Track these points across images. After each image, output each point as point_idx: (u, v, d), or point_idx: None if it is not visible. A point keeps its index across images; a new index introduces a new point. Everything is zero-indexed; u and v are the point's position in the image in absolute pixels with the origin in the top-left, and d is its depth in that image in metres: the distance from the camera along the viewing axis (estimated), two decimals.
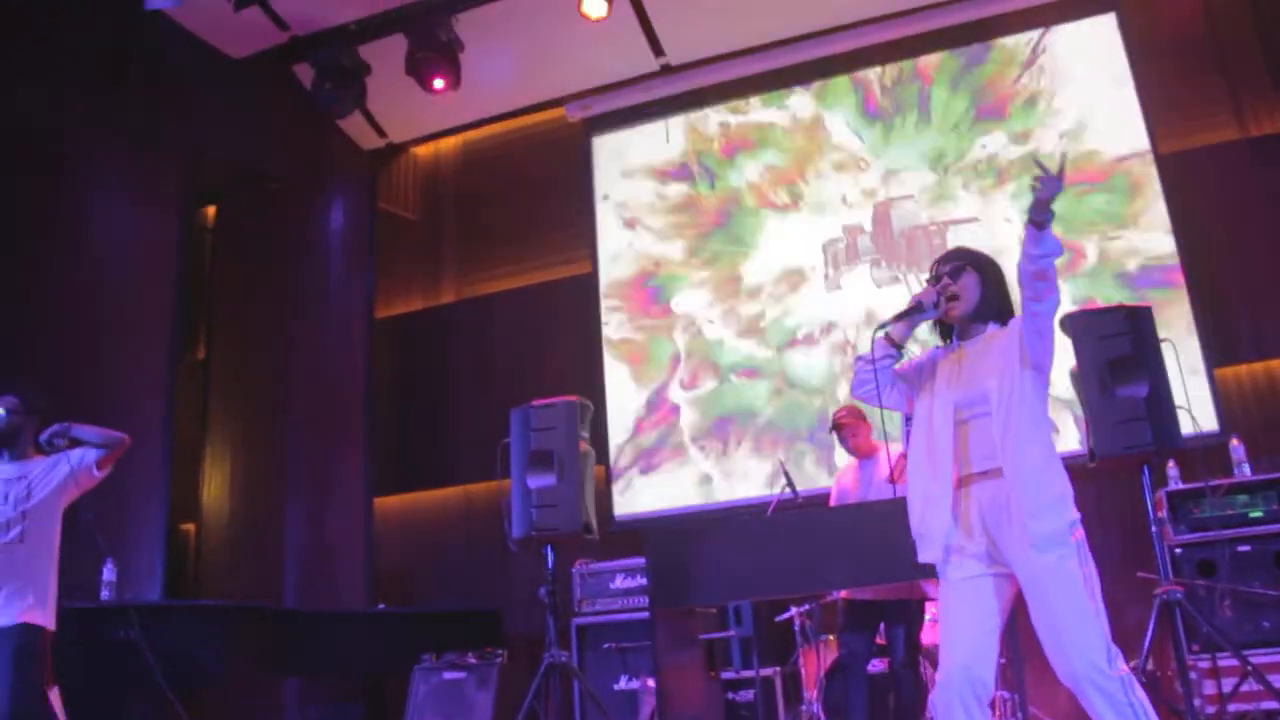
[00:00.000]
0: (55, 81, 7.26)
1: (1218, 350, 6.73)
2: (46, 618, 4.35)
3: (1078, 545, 2.87)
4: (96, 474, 4.60)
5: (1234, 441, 5.71)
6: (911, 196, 7.59)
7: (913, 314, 3.16)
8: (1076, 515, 2.92)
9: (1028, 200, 2.87)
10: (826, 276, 7.68)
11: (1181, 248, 6.89)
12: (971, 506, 2.99)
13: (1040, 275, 2.90)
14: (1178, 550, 5.37)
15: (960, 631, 2.94)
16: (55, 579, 4.46)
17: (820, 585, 5.07)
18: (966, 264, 3.20)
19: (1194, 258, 6.87)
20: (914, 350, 3.31)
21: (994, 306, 3.19)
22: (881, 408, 3.25)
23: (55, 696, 4.30)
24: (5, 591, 4.30)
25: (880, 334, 3.18)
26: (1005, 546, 2.92)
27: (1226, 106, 7.15)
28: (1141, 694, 2.79)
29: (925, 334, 3.45)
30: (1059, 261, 2.94)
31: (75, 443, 4.62)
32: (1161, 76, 7.25)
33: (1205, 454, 5.89)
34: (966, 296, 3.16)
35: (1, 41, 7.06)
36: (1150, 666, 5.03)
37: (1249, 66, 7.13)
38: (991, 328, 3.17)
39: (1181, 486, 5.51)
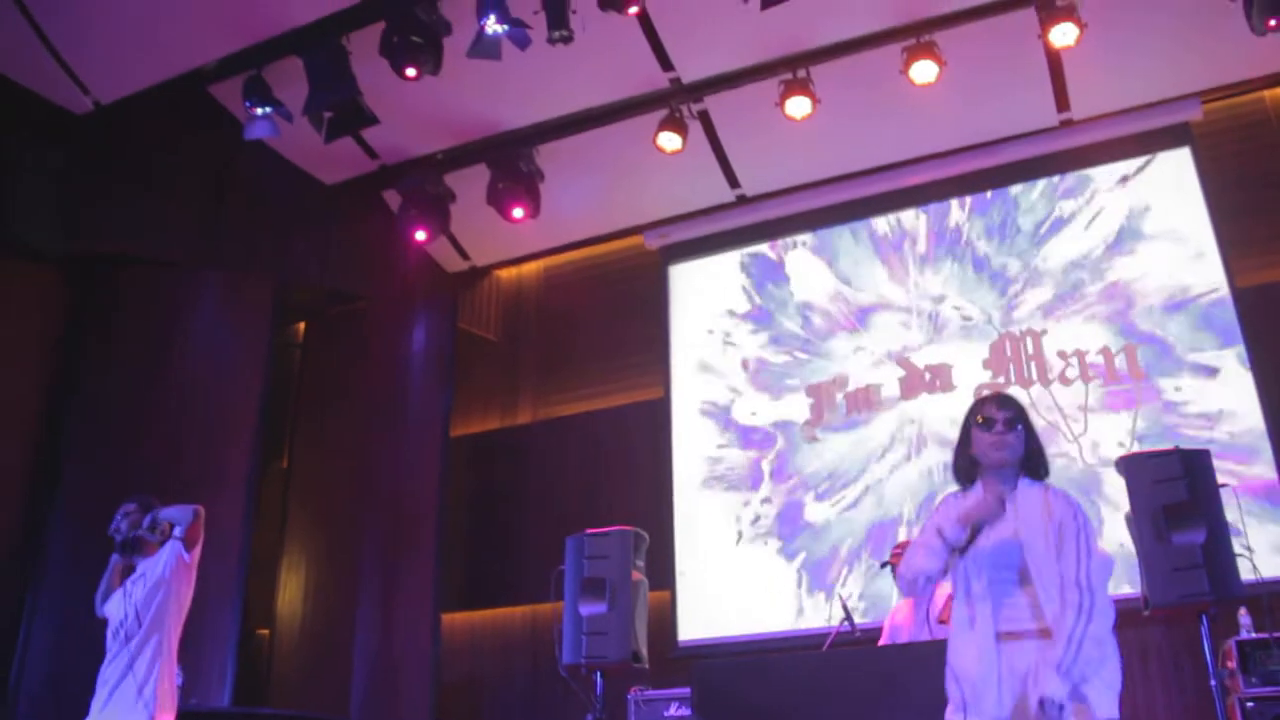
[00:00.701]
0: (160, 205, 7.77)
1: None
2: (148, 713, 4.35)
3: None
4: (187, 557, 4.65)
5: None
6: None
7: (974, 525, 3.04)
8: (1119, 684, 2.88)
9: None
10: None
11: (1260, 384, 6.74)
12: (1006, 663, 2.91)
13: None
14: (1249, 704, 5.14)
15: None
16: (166, 672, 4.49)
17: None
18: (1018, 415, 3.13)
19: (1275, 394, 6.71)
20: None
21: (1032, 462, 3.14)
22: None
23: None
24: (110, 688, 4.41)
25: (941, 547, 3.08)
26: (1034, 712, 2.82)
27: None
28: None
29: None
30: None
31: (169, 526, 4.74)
32: (1237, 210, 7.19)
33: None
34: (1017, 447, 3.10)
35: (111, 164, 7.61)
36: None
37: None
38: (1022, 485, 3.10)
39: (1252, 636, 5.30)
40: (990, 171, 7.92)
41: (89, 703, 4.54)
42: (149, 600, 4.56)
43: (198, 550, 4.75)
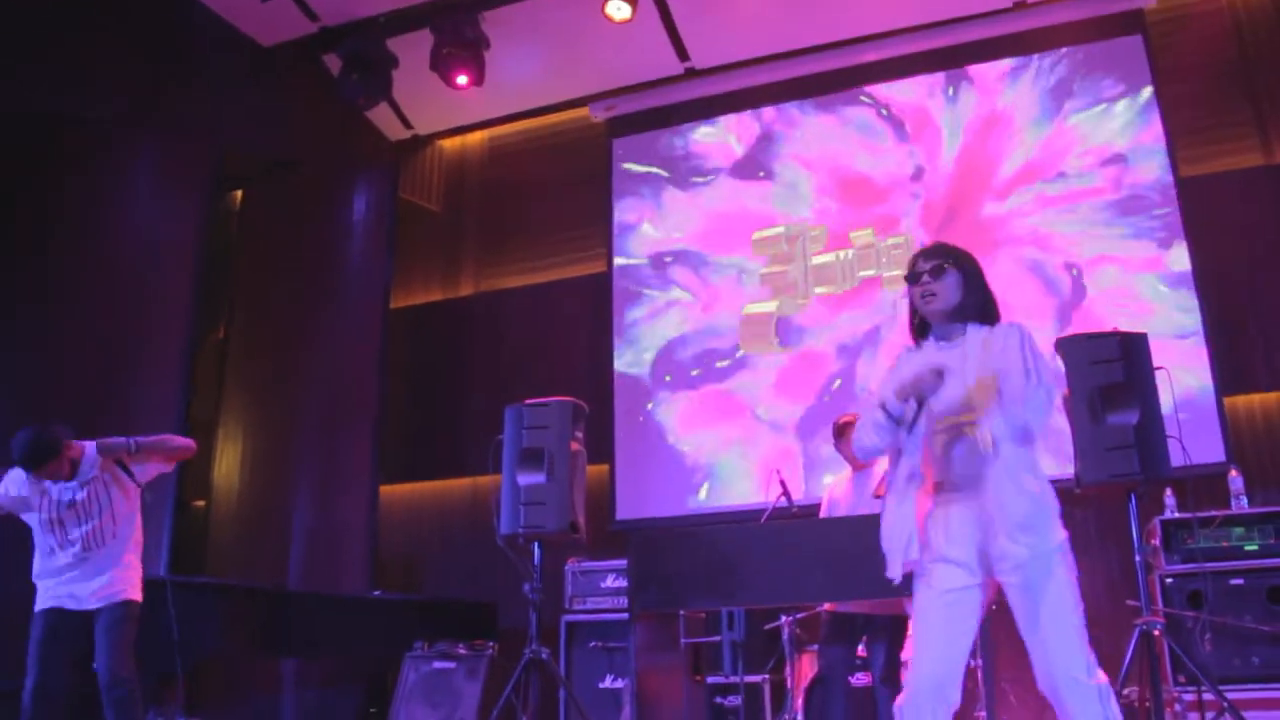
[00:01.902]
0: (85, 66, 7.41)
1: (1229, 379, 6.65)
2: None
3: (1064, 557, 2.88)
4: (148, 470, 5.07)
5: (1232, 473, 5.64)
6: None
7: (914, 398, 2.99)
8: (1065, 534, 2.93)
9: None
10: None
11: (1198, 274, 6.81)
12: (956, 513, 2.94)
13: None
14: (1169, 580, 5.32)
15: (936, 646, 2.90)
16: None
17: (800, 597, 5.07)
18: (946, 261, 3.10)
19: (1210, 284, 6.79)
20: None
21: (975, 306, 3.09)
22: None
23: None
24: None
25: (885, 420, 3.05)
26: (992, 555, 2.88)
27: (1252, 131, 7.06)
28: (1116, 706, 2.80)
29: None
30: None
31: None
32: (1186, 100, 7.18)
33: (1205, 484, 5.87)
34: (945, 296, 3.07)
35: (32, 28, 7.22)
36: (1131, 696, 4.98)
37: (1279, 91, 7.04)
38: (972, 329, 3.07)
39: (1175, 516, 5.45)
40: (943, 51, 7.81)
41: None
42: None
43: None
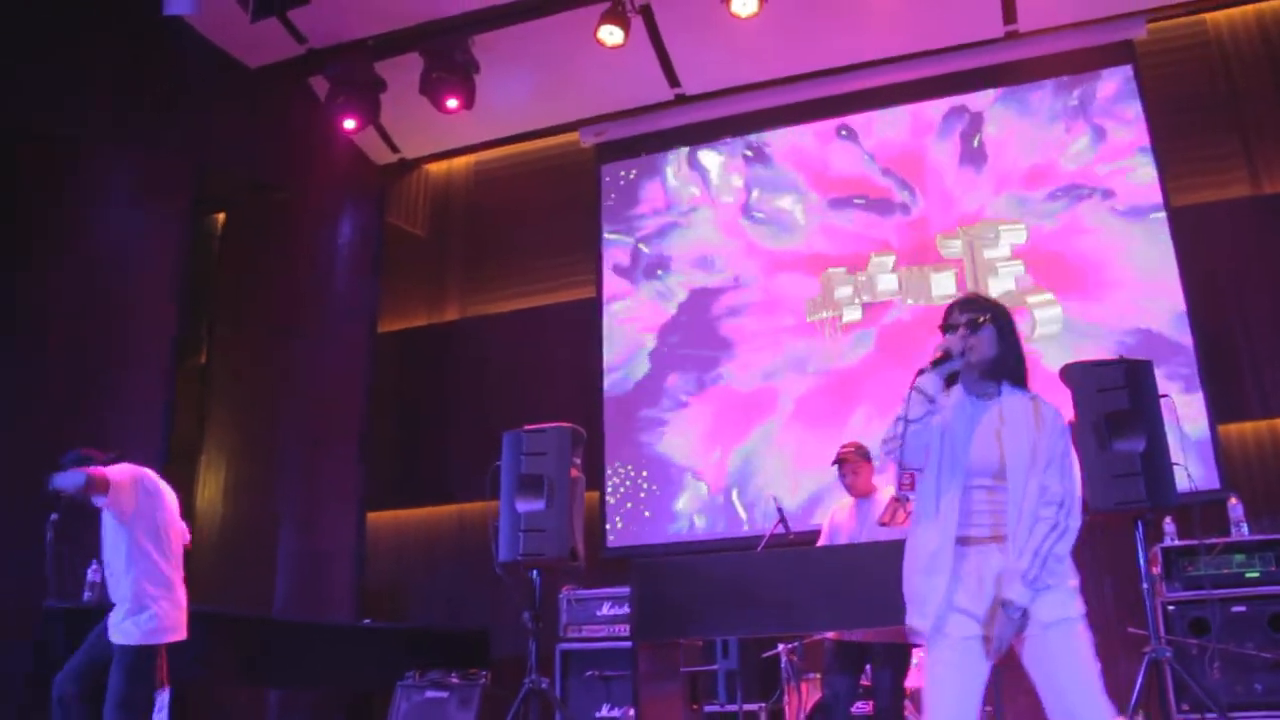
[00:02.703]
0: (67, 85, 7.31)
1: (1223, 407, 6.68)
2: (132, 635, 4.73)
3: (1079, 612, 2.88)
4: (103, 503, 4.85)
5: (1232, 500, 5.64)
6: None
7: (943, 363, 3.02)
8: (1077, 579, 2.92)
9: None
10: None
11: (1190, 302, 6.85)
12: (976, 567, 2.92)
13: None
14: (1171, 608, 5.30)
15: (950, 694, 2.89)
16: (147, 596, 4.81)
17: (806, 625, 5.02)
18: (984, 315, 3.06)
19: (1201, 312, 6.83)
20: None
21: (1011, 364, 3.07)
22: (905, 467, 3.11)
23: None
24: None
25: (914, 387, 3.01)
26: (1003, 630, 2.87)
27: (1240, 162, 7.14)
28: None
29: None
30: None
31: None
32: (1175, 130, 7.24)
33: (1204, 511, 5.87)
34: (981, 350, 3.03)
35: (14, 45, 7.11)
36: None
37: (1266, 123, 7.12)
38: (1006, 390, 3.05)
39: (1177, 543, 5.44)
40: (934, 80, 7.84)
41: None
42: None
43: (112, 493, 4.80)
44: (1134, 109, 7.32)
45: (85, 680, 4.76)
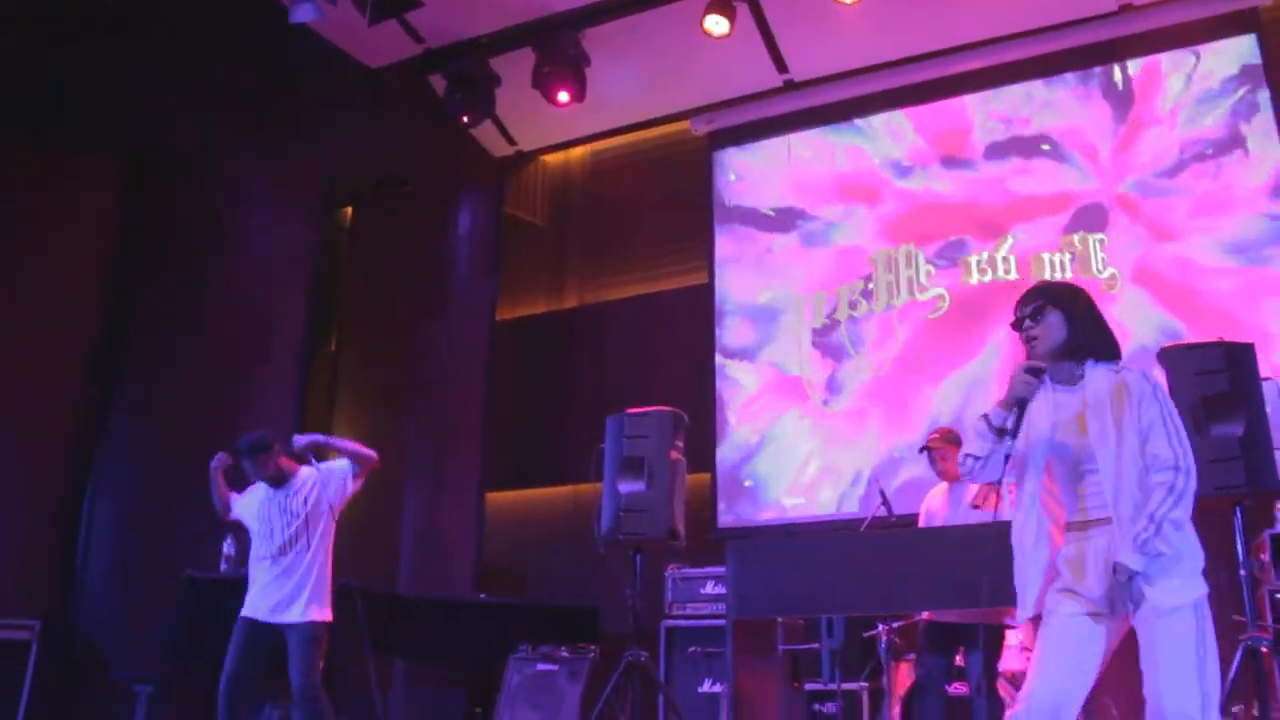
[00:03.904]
0: (199, 95, 7.77)
1: None
2: (323, 613, 5.09)
3: (1194, 603, 2.80)
4: (352, 487, 5.32)
5: None
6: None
7: (1012, 406, 2.99)
8: (1204, 590, 2.84)
9: None
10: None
11: None
12: (1089, 550, 2.91)
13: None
14: (1279, 595, 5.19)
15: (1057, 666, 2.86)
16: (329, 577, 5.19)
17: (898, 606, 5.09)
18: (1046, 303, 3.07)
19: None
20: None
21: (1089, 342, 3.04)
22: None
23: None
24: (291, 589, 5.04)
25: (984, 425, 3.04)
26: (1120, 598, 2.84)
27: None
28: None
29: None
30: None
31: (331, 452, 5.36)
32: None
33: None
34: (1048, 337, 3.04)
35: (147, 59, 7.60)
36: (1239, 715, 4.89)
37: None
38: (1091, 367, 3.03)
39: None
40: (1046, 58, 7.71)
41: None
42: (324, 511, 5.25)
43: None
44: (1258, 77, 7.07)
45: (255, 674, 5.08)
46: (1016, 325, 3.12)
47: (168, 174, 7.94)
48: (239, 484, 5.39)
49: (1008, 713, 2.94)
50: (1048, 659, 2.88)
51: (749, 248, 8.45)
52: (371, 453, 5.38)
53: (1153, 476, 2.84)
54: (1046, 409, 3.05)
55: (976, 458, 3.07)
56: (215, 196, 7.93)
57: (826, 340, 7.98)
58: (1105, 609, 2.87)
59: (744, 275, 8.41)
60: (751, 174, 8.61)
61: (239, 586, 5.42)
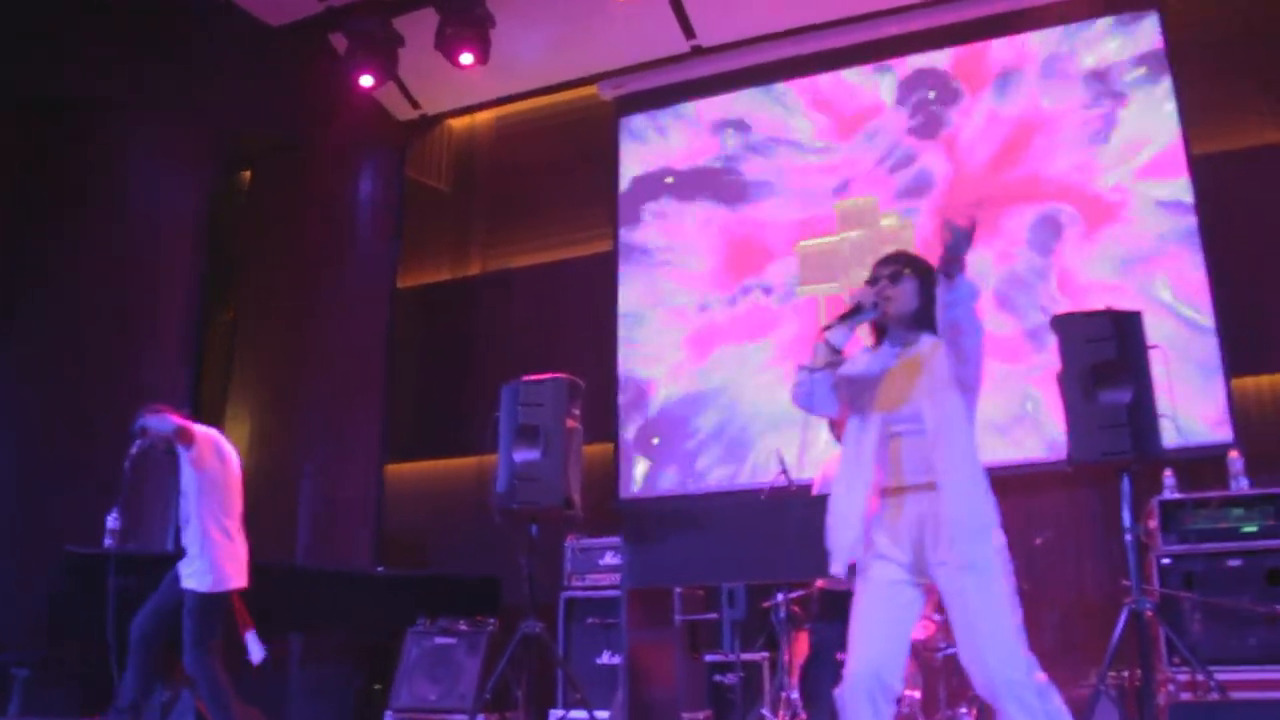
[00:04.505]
0: (89, 47, 7.45)
1: (1238, 359, 6.57)
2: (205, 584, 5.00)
3: (1003, 564, 2.90)
4: (188, 456, 5.15)
5: (1232, 454, 5.57)
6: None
7: (853, 316, 3.12)
8: (1003, 539, 2.94)
9: None
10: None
11: (1208, 252, 6.72)
12: (901, 517, 3.00)
13: (952, 326, 2.91)
14: (1165, 561, 5.27)
15: (874, 632, 2.96)
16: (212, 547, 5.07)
17: (790, 573, 5.06)
18: (905, 268, 3.14)
19: (1222, 263, 6.71)
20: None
21: (931, 315, 3.09)
22: (815, 414, 3.25)
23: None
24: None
25: (822, 340, 3.13)
26: (931, 560, 2.93)
27: (1266, 109, 6.95)
28: (1058, 702, 2.81)
29: None
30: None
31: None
32: (1200, 77, 7.07)
33: (1211, 465, 5.82)
34: (902, 301, 3.11)
35: (35, 12, 7.26)
36: (1121, 678, 4.97)
37: None
38: (925, 338, 3.12)
39: (1174, 496, 5.40)
40: (954, 27, 7.72)
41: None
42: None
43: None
44: (1158, 55, 7.15)
45: (162, 621, 5.05)
46: (872, 282, 3.16)
47: (53, 127, 7.58)
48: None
49: (836, 689, 2.97)
50: (863, 628, 2.98)
51: (654, 214, 8.35)
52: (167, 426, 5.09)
53: None
54: (879, 368, 3.14)
55: (811, 370, 3.12)
56: (103, 151, 7.60)
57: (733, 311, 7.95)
58: (910, 574, 2.97)
59: (648, 242, 8.31)
60: (658, 140, 8.51)
61: (124, 562, 5.27)
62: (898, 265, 3.16)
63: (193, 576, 4.99)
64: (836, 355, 3.11)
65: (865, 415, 3.11)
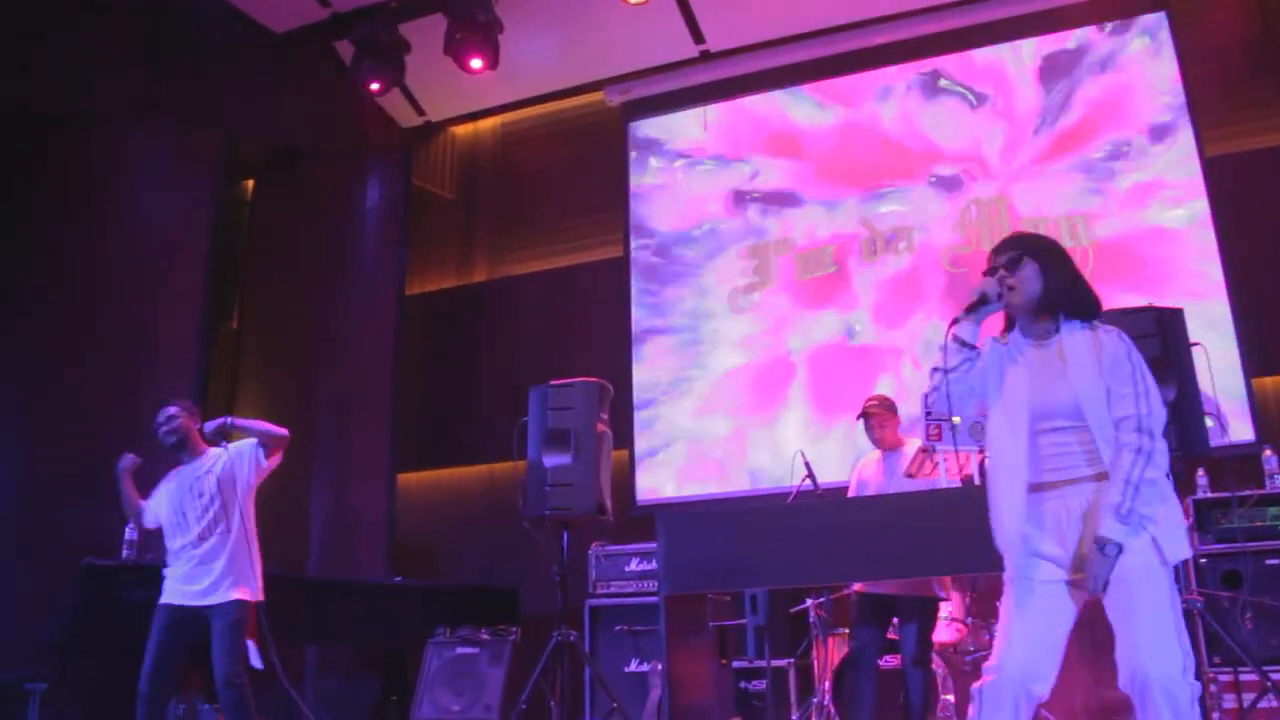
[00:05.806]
0: (95, 56, 7.33)
1: (1258, 359, 6.58)
2: (249, 593, 4.83)
3: (1165, 565, 2.75)
4: (266, 464, 5.07)
5: (1266, 452, 5.56)
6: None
7: (979, 309, 2.97)
8: (1188, 551, 2.84)
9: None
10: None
11: (1225, 252, 6.73)
12: (1056, 511, 2.85)
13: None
14: (1202, 560, 5.25)
15: (1029, 635, 2.81)
16: (256, 557, 4.93)
17: (832, 577, 5.01)
18: (1023, 253, 2.97)
19: (1237, 264, 6.72)
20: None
21: (1064, 298, 2.95)
22: (956, 415, 3.09)
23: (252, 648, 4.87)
24: (215, 573, 4.78)
25: (950, 336, 2.98)
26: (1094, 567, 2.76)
27: (1278, 110, 6.98)
28: (1198, 712, 2.68)
29: None
30: None
31: (239, 434, 5.06)
32: (1211, 78, 7.10)
33: (1238, 464, 5.80)
34: (1024, 289, 2.95)
35: (35, 20, 7.14)
36: None
37: None
38: (1066, 325, 2.94)
39: (1209, 495, 5.38)
40: (964, 31, 7.72)
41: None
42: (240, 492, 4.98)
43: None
44: (1168, 56, 7.17)
45: (170, 669, 4.79)
46: (990, 273, 3.01)
47: (56, 136, 7.46)
48: (145, 490, 5.11)
49: (975, 684, 2.86)
50: (1017, 627, 2.82)
51: (664, 220, 8.31)
52: (281, 430, 5.13)
53: (1123, 437, 2.77)
54: (1022, 362, 2.97)
55: (945, 371, 2.98)
56: (109, 160, 7.47)
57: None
58: (1068, 573, 2.81)
59: (659, 248, 8.26)
60: (665, 146, 8.46)
61: (142, 575, 5.13)
62: (1014, 250, 2.99)
63: (244, 585, 4.82)
64: (970, 350, 2.96)
65: (1010, 411, 2.94)
